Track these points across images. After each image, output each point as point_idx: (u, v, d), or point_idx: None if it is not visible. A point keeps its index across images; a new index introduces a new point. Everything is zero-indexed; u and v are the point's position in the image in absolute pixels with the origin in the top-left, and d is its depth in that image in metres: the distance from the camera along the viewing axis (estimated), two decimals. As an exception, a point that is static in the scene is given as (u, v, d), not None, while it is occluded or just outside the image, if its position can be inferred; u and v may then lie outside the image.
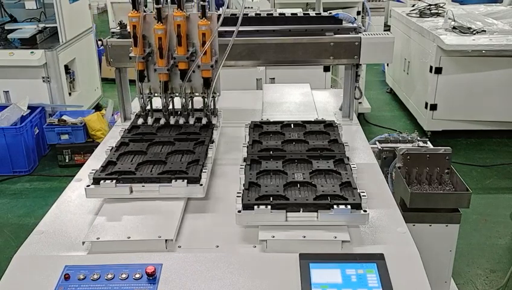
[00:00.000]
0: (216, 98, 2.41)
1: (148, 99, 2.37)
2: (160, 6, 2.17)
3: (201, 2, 2.18)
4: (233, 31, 2.48)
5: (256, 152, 2.06)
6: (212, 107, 2.39)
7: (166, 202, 1.84)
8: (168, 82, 2.33)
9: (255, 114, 2.76)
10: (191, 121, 2.37)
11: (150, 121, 2.38)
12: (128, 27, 2.29)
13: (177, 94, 2.36)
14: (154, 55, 2.27)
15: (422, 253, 1.60)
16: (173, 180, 1.85)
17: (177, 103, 2.41)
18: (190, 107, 2.39)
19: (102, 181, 1.84)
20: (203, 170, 1.92)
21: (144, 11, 2.21)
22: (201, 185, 1.86)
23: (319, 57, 2.51)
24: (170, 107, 2.39)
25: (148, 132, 2.27)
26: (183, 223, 1.79)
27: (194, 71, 2.29)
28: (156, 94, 2.36)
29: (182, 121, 2.37)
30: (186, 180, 1.84)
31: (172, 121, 2.36)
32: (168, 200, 1.85)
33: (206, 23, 2.18)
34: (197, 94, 2.36)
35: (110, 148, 2.11)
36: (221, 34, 2.32)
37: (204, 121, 2.36)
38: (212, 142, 2.19)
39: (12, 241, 3.93)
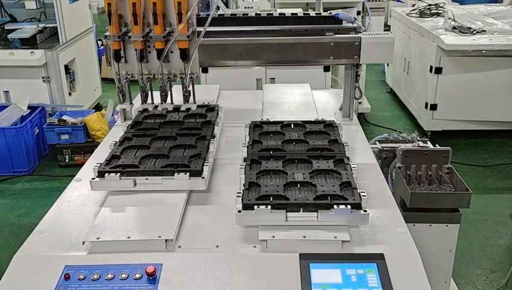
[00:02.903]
0: (194, 78, 2.34)
1: (125, 81, 2.33)
2: None
3: None
4: (232, 30, 2.49)
5: (256, 152, 2.07)
6: (190, 88, 2.34)
7: (169, 194, 1.89)
8: (145, 54, 2.25)
9: (255, 114, 2.76)
10: (170, 107, 2.34)
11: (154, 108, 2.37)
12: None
13: (154, 75, 2.30)
14: (131, 30, 2.20)
15: (422, 253, 1.60)
16: (176, 173, 1.90)
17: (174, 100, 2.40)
18: (168, 89, 2.35)
19: (106, 174, 1.89)
20: (205, 164, 1.96)
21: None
22: (203, 178, 1.90)
23: (319, 57, 2.51)
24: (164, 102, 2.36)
25: (150, 128, 2.31)
26: (184, 220, 1.80)
27: (172, 52, 2.25)
28: (133, 75, 2.31)
29: (161, 108, 2.34)
30: (188, 173, 1.89)
31: (152, 107, 2.34)
32: (170, 192, 1.90)
33: None
34: (174, 75, 2.31)
35: (114, 142, 2.15)
36: (218, 34, 2.32)
37: (183, 107, 2.33)
38: (214, 137, 2.23)
39: (12, 241, 3.93)
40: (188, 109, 2.43)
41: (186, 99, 2.33)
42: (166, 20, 2.22)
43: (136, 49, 2.22)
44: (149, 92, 2.38)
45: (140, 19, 2.16)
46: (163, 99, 2.34)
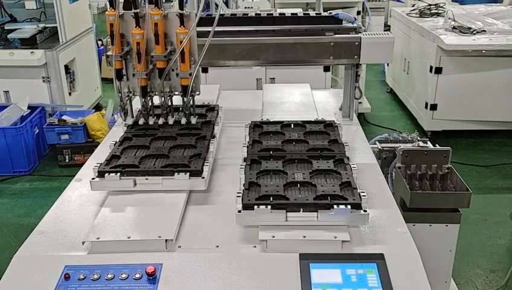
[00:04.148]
0: (195, 97, 2.37)
1: (127, 98, 2.36)
2: (137, 10, 2.16)
3: (179, 11, 2.16)
4: (232, 30, 2.49)
5: (256, 152, 2.06)
6: (190, 106, 2.35)
7: (168, 194, 1.89)
8: (147, 83, 2.30)
9: (255, 114, 2.76)
10: (170, 121, 2.36)
11: (151, 121, 2.38)
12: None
13: (156, 93, 2.34)
14: (132, 54, 2.24)
15: (422, 253, 1.60)
16: (176, 173, 1.90)
17: (175, 101, 2.41)
18: (169, 105, 2.38)
19: (106, 174, 1.89)
20: (205, 164, 1.96)
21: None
22: (203, 178, 1.90)
23: (319, 57, 2.51)
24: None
25: (150, 128, 2.31)
26: (184, 220, 1.80)
27: (173, 70, 2.28)
28: (135, 93, 2.34)
29: (161, 121, 2.36)
30: (188, 173, 1.89)
31: (151, 121, 2.36)
32: (170, 192, 1.90)
33: (184, 31, 2.17)
34: (176, 93, 2.34)
35: (114, 142, 2.15)
36: (218, 34, 2.32)
37: (183, 121, 2.36)
38: (214, 137, 2.23)
39: (12, 241, 3.93)
40: (189, 122, 2.41)
41: (187, 117, 2.34)
42: (168, 39, 2.25)
43: (139, 86, 2.26)
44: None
45: (144, 58, 2.19)
46: (165, 117, 2.35)
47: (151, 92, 2.34)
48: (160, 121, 2.36)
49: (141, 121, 2.36)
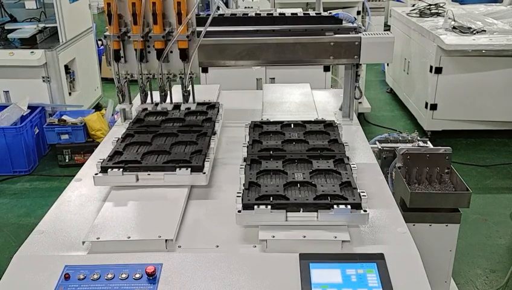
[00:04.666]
0: (193, 78, 2.34)
1: (125, 81, 2.34)
2: None
3: None
4: (232, 30, 2.49)
5: (256, 152, 2.07)
6: (190, 88, 2.33)
7: (170, 189, 1.92)
8: (145, 54, 2.25)
9: (255, 114, 2.76)
10: (169, 107, 2.36)
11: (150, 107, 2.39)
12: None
13: (154, 75, 2.30)
14: (130, 30, 2.20)
15: (422, 253, 1.60)
16: (177, 169, 1.92)
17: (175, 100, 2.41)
18: (167, 88, 2.35)
19: (109, 170, 1.91)
20: (206, 160, 1.99)
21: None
22: (204, 173, 1.92)
23: (319, 57, 2.50)
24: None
25: (152, 124, 2.33)
26: (184, 219, 1.80)
27: (171, 52, 2.25)
28: (132, 75, 2.32)
29: (160, 108, 2.36)
30: (189, 169, 1.92)
31: (149, 107, 2.36)
32: (172, 187, 1.92)
33: None
34: (174, 75, 2.31)
35: (116, 139, 2.17)
36: (218, 34, 2.30)
37: (183, 107, 2.36)
38: (214, 133, 2.25)
39: (12, 241, 3.93)
40: (188, 108, 2.43)
41: (185, 99, 2.34)
42: (166, 20, 2.22)
43: (135, 49, 2.22)
44: (148, 92, 2.39)
45: (141, 19, 2.16)
46: (163, 99, 2.34)
47: (149, 75, 2.30)
48: (159, 108, 2.35)
49: (150, 107, 2.33)
